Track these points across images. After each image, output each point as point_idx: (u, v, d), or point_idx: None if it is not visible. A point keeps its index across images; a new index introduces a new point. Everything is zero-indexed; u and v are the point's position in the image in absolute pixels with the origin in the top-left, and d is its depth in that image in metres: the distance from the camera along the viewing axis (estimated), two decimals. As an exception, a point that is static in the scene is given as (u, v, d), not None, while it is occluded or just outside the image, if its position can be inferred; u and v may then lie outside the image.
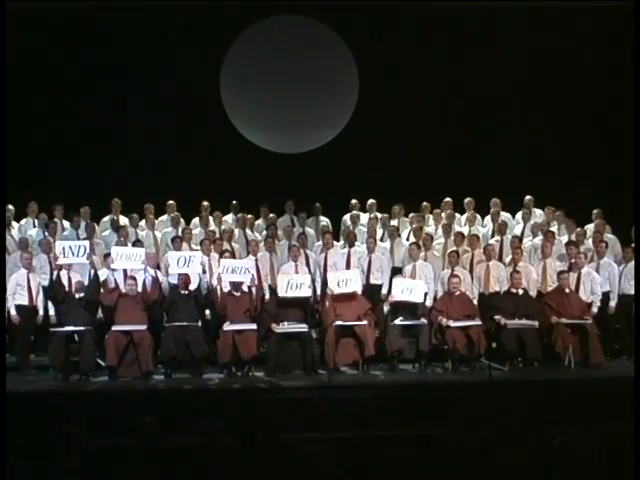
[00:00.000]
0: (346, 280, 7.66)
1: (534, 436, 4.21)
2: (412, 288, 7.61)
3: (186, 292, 7.63)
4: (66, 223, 9.23)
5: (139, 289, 7.55)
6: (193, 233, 8.98)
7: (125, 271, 7.78)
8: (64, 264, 7.68)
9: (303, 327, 7.52)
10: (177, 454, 4.09)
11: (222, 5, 10.30)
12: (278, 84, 10.73)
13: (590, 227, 9.12)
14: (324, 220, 9.77)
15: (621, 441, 4.09)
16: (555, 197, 9.59)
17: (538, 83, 10.58)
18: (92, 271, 7.63)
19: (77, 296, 7.54)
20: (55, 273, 7.62)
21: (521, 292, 7.82)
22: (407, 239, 9.10)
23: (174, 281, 7.73)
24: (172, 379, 7.30)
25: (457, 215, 9.66)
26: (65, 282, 7.74)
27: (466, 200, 9.69)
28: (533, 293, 8.06)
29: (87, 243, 7.66)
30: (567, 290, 7.84)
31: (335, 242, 8.96)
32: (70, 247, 7.48)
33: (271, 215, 9.71)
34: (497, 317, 7.65)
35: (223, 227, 9.28)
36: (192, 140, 10.45)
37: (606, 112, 10.34)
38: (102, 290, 7.58)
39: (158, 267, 8.28)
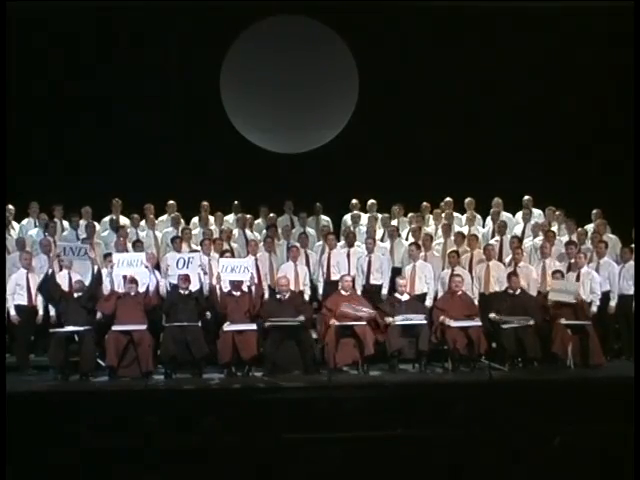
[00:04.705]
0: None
1: (534, 436, 4.22)
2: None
3: (186, 292, 7.62)
4: (66, 223, 9.22)
5: (139, 290, 7.54)
6: (193, 233, 8.98)
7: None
8: (65, 263, 7.67)
9: (295, 322, 7.44)
10: (177, 454, 4.09)
11: (222, 5, 10.30)
12: (278, 84, 10.71)
13: (590, 227, 9.11)
14: (325, 220, 9.76)
15: (621, 441, 4.10)
16: (555, 197, 9.59)
17: (538, 83, 10.57)
18: (95, 267, 7.61)
19: (75, 295, 7.53)
20: (50, 271, 7.47)
21: (518, 292, 7.81)
22: (406, 239, 9.11)
23: (174, 281, 7.73)
24: (172, 379, 7.29)
25: (457, 215, 9.66)
26: (65, 281, 7.73)
27: (466, 200, 9.68)
28: (533, 293, 8.06)
29: (87, 246, 7.66)
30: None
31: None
32: (71, 248, 7.50)
33: (271, 215, 9.70)
34: (492, 315, 7.67)
35: (223, 227, 9.28)
36: (192, 140, 10.44)
37: (606, 112, 10.33)
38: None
39: (157, 267, 8.27)
